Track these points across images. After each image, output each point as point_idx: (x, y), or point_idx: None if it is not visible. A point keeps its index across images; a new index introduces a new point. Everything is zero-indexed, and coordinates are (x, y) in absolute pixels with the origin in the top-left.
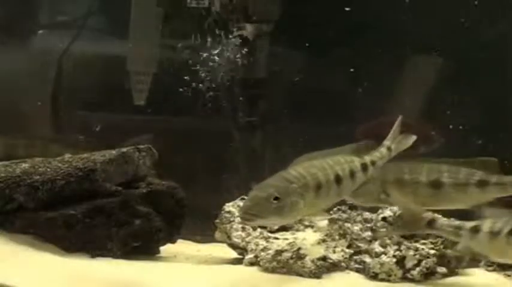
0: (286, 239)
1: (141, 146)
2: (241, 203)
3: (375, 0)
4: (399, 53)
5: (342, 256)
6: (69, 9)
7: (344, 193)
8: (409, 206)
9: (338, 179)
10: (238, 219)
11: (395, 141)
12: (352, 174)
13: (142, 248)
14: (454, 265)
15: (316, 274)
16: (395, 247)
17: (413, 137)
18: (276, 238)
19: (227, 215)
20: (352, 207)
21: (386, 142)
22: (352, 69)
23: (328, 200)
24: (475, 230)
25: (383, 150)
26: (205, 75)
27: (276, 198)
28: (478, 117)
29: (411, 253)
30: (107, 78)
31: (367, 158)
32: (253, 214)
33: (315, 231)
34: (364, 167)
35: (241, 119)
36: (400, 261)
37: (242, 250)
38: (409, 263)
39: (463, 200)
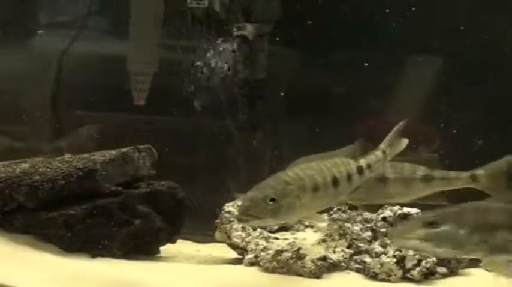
0: (286, 239)
1: (141, 146)
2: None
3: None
4: (399, 53)
5: (342, 256)
6: (69, 9)
7: (340, 196)
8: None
9: (335, 181)
10: None
11: (391, 145)
12: (349, 176)
13: (142, 248)
14: (454, 265)
15: (316, 274)
16: (396, 247)
17: (406, 141)
18: (276, 238)
19: (227, 215)
20: (352, 207)
21: (382, 145)
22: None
23: (325, 202)
24: None
25: (378, 153)
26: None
27: (273, 199)
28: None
29: (411, 253)
30: (106, 79)
31: (363, 161)
32: (250, 215)
33: (315, 231)
34: (360, 170)
35: (240, 120)
36: (400, 261)
37: (242, 250)
38: (409, 263)
39: (408, 194)
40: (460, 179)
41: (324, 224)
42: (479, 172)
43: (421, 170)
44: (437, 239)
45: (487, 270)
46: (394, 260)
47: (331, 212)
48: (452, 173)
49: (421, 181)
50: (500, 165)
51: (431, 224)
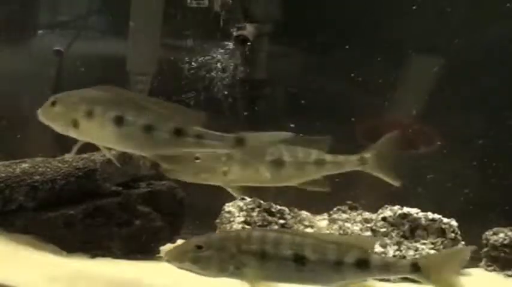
0: None
1: None
2: (241, 203)
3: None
4: (399, 53)
5: None
6: (69, 9)
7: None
8: None
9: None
10: (238, 219)
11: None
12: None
13: (143, 248)
14: None
15: None
16: (395, 247)
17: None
18: None
19: (227, 215)
20: (352, 207)
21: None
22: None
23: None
24: None
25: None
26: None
27: None
28: None
29: (411, 253)
30: (106, 79)
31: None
32: None
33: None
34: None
35: (240, 120)
36: None
37: None
38: None
39: (301, 178)
40: (350, 162)
41: (324, 224)
42: (367, 154)
43: (314, 154)
44: (203, 262)
45: None
46: None
47: (331, 212)
48: (342, 157)
49: (314, 165)
50: (384, 144)
51: (199, 248)
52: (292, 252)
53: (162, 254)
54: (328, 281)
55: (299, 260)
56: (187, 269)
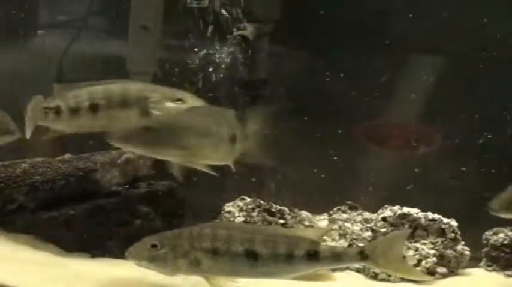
0: None
1: None
2: (241, 203)
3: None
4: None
5: None
6: (69, 9)
7: None
8: None
9: None
10: (238, 219)
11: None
12: None
13: None
14: (454, 265)
15: None
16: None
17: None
18: None
19: (227, 215)
20: (352, 207)
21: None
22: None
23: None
24: None
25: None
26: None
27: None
28: None
29: (411, 253)
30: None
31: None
32: None
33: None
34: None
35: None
36: None
37: None
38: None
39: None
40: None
41: (324, 224)
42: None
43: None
44: (159, 261)
45: None
46: None
47: (331, 212)
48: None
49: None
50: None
51: (154, 246)
52: (243, 248)
53: None
54: (280, 274)
55: (250, 255)
56: (145, 267)
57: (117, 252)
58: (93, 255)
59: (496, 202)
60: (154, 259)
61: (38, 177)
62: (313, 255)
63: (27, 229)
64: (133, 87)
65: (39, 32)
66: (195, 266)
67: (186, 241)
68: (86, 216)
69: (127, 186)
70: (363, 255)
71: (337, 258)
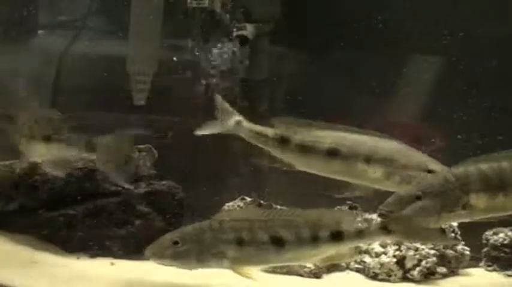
0: None
1: (141, 146)
2: (241, 203)
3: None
4: (398, 54)
5: None
6: (69, 9)
7: None
8: None
9: None
10: None
11: None
12: None
13: (143, 248)
14: (454, 265)
15: (316, 274)
16: (395, 247)
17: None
18: None
19: None
20: (352, 207)
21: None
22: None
23: None
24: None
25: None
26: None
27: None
28: None
29: (411, 253)
30: (106, 79)
31: None
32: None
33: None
34: None
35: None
36: (400, 261)
37: None
38: (409, 263)
39: None
40: None
41: None
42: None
43: None
44: (182, 257)
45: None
46: (394, 260)
47: None
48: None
49: None
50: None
51: (175, 243)
52: (268, 236)
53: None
54: (306, 257)
55: (276, 242)
56: (168, 265)
57: (117, 252)
58: (93, 255)
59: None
60: (177, 256)
61: (38, 177)
62: (337, 235)
63: (27, 229)
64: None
65: (39, 32)
66: (220, 259)
67: (208, 234)
68: (86, 216)
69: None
70: (386, 230)
71: (361, 235)
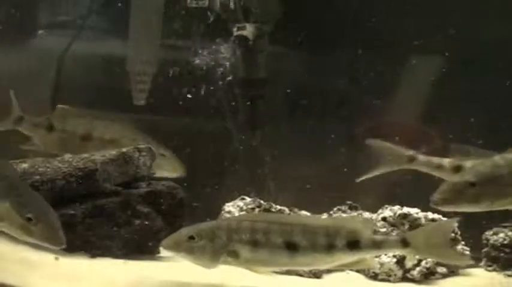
0: None
1: (141, 146)
2: (241, 203)
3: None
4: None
5: None
6: (69, 9)
7: None
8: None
9: None
10: None
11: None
12: None
13: (142, 248)
14: (454, 265)
15: (316, 274)
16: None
17: None
18: None
19: (227, 215)
20: (352, 207)
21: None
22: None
23: None
24: None
25: None
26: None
27: None
28: None
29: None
30: (106, 79)
31: None
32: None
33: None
34: None
35: (241, 120)
36: (400, 261)
37: None
38: (409, 263)
39: None
40: None
41: None
42: None
43: None
44: (197, 253)
45: None
46: (394, 260)
47: (331, 212)
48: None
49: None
50: None
51: (192, 238)
52: (283, 239)
53: (162, 254)
54: (320, 263)
55: (291, 247)
56: (182, 258)
57: (117, 252)
58: (93, 255)
59: (437, 195)
60: (192, 251)
61: (38, 177)
62: (354, 244)
63: None
64: None
65: (39, 32)
66: (233, 258)
67: (225, 233)
68: (86, 216)
69: (127, 186)
70: (404, 243)
71: (378, 246)
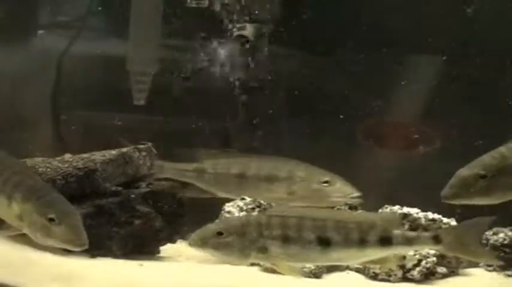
0: None
1: (141, 146)
2: (241, 203)
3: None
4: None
5: None
6: (69, 9)
7: None
8: None
9: None
10: None
11: None
12: None
13: (142, 248)
14: (454, 265)
15: (316, 274)
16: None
17: None
18: None
19: (227, 215)
20: (352, 207)
21: None
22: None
23: None
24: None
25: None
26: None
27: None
28: None
29: (411, 253)
30: (106, 78)
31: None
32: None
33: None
34: None
35: (241, 120)
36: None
37: None
38: (409, 263)
39: None
40: None
41: None
42: None
43: None
44: (225, 249)
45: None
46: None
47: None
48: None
49: None
50: None
51: (219, 234)
52: (315, 235)
53: (162, 254)
54: (352, 259)
55: (323, 242)
56: (210, 254)
57: (117, 252)
58: (93, 255)
59: (447, 189)
60: (220, 247)
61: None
62: (386, 240)
63: None
64: None
65: (40, 32)
66: (263, 254)
67: (254, 228)
68: (86, 216)
69: (127, 186)
70: (437, 239)
71: (410, 242)
